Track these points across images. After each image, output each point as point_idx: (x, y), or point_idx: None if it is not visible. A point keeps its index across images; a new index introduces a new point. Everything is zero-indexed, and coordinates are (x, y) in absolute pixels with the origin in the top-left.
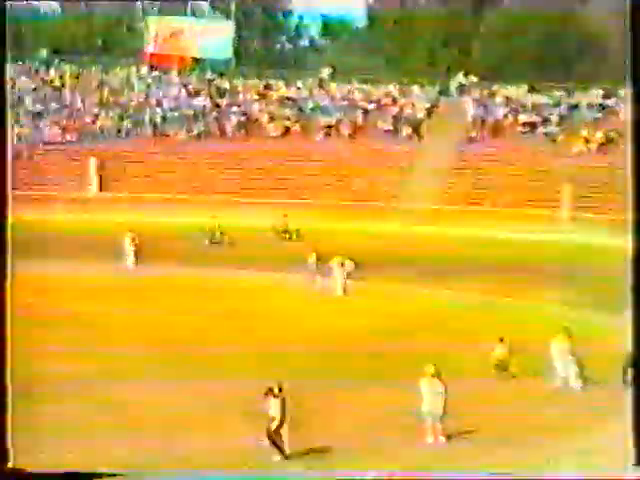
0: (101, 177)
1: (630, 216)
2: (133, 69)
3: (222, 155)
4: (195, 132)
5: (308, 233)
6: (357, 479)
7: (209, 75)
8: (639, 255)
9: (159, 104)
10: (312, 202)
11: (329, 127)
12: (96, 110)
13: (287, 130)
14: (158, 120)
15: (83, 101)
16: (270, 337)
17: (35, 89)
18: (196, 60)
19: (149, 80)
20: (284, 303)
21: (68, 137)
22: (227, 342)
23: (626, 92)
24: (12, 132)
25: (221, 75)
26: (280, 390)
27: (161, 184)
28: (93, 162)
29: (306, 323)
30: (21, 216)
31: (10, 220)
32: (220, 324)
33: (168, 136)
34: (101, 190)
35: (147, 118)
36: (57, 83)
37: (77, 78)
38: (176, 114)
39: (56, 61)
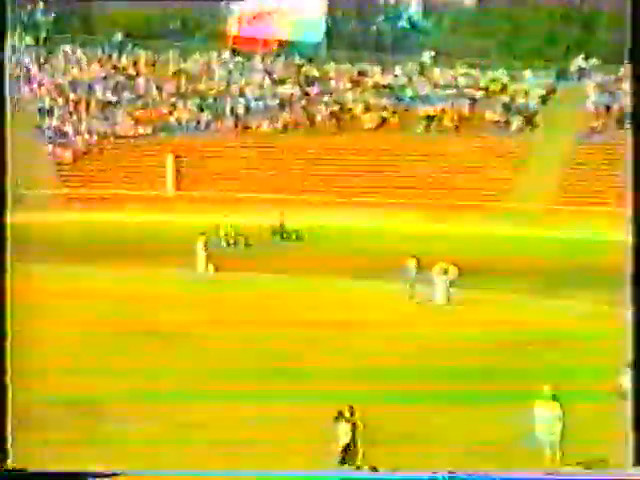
0: (178, 174)
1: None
2: (214, 54)
3: (311, 149)
4: (281, 124)
5: (406, 235)
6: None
7: (297, 60)
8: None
9: (242, 93)
10: (411, 202)
11: (431, 118)
12: (173, 100)
13: (383, 121)
14: (241, 111)
15: (159, 90)
16: (365, 350)
17: (106, 77)
18: (283, 44)
19: (231, 66)
20: (380, 313)
21: (142, 130)
22: (316, 355)
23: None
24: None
25: (310, 60)
26: (352, 414)
27: (243, 181)
28: (170, 157)
29: (404, 335)
30: (90, 217)
31: (10, 220)
32: (308, 335)
33: (251, 128)
34: (178, 188)
35: (228, 108)
36: (131, 70)
37: (152, 65)
38: (260, 104)
39: (130, 46)
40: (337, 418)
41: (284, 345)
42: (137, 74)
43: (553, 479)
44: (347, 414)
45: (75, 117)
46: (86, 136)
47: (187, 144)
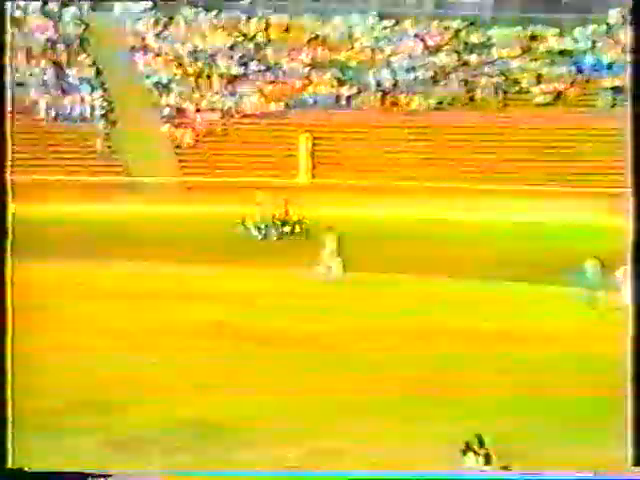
0: (313, 158)
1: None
2: (356, 17)
3: (471, 129)
4: (435, 99)
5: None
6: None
7: (455, 24)
8: None
9: (389, 63)
10: (592, 190)
11: (618, 90)
12: (308, 71)
13: (558, 95)
14: (387, 84)
15: (292, 60)
16: (532, 367)
17: (232, 46)
18: (438, 4)
19: (376, 32)
20: (553, 323)
21: (272, 106)
22: (467, 372)
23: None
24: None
25: (471, 24)
26: (482, 444)
27: (390, 167)
28: (303, 139)
29: (580, 348)
30: (211, 208)
31: (11, 211)
32: (461, 348)
33: (400, 105)
34: (313, 176)
35: (373, 81)
36: (260, 38)
37: (285, 31)
38: (411, 76)
39: (259, 9)
40: (465, 451)
41: (429, 359)
42: (267, 42)
43: (552, 478)
44: (475, 445)
45: (196, 93)
46: (208, 115)
47: (324, 123)
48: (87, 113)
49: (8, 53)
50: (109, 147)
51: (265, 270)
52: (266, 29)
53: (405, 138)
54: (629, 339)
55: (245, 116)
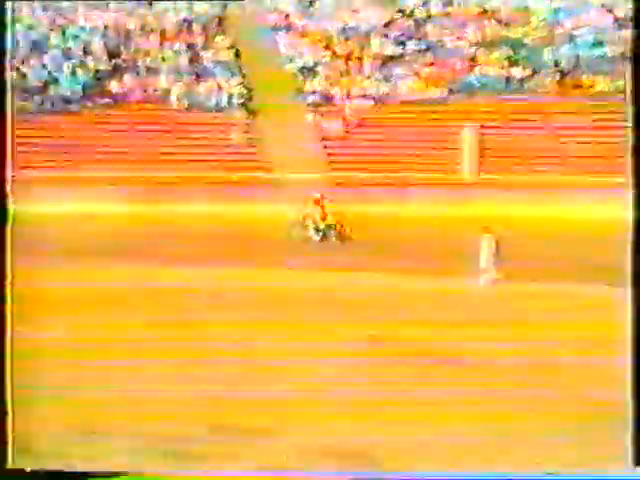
0: (480, 150)
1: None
2: None
3: None
4: (627, 81)
5: None
6: None
7: None
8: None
9: (570, 38)
10: None
11: None
12: (473, 51)
13: None
14: (568, 63)
15: (456, 38)
16: None
17: (387, 23)
18: None
19: (555, 2)
20: None
21: (433, 92)
22: None
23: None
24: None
25: None
26: None
27: (571, 160)
28: (468, 131)
29: None
30: (363, 207)
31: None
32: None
33: (583, 87)
34: (480, 172)
35: (551, 61)
36: (418, 13)
37: (448, 5)
38: (595, 53)
39: None
40: None
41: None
42: (427, 18)
43: (553, 479)
44: None
45: (345, 77)
46: (359, 102)
47: (492, 110)
48: (224, 102)
49: (8, 53)
50: (248, 139)
51: (430, 279)
52: (426, 3)
53: (589, 126)
54: (629, 339)
55: (402, 103)
